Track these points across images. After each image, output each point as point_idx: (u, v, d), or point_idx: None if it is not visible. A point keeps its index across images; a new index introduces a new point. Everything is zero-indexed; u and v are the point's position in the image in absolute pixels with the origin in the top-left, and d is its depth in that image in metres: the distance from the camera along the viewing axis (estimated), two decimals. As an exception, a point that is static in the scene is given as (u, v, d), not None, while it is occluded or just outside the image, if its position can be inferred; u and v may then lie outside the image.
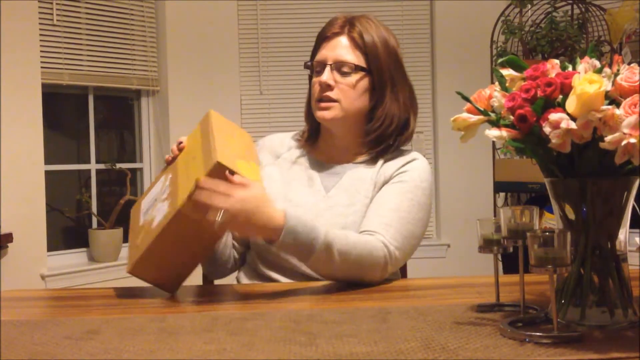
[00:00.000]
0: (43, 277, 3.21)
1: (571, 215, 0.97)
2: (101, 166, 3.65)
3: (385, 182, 1.47)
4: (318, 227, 1.27)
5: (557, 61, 0.96)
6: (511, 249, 1.02)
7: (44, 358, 0.86)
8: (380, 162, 1.50)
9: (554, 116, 0.87)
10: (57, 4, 3.33)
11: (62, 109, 3.62)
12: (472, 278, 1.43)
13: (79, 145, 3.71)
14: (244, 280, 1.50)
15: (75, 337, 0.96)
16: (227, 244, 1.51)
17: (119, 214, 3.45)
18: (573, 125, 0.86)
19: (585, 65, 0.94)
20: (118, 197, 3.57)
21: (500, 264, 2.83)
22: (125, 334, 0.96)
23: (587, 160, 0.92)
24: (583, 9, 3.46)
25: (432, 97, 3.99)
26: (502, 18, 3.56)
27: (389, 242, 1.34)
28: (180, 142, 1.38)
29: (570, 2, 3.52)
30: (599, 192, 0.95)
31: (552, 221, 2.72)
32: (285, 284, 1.41)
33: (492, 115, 0.98)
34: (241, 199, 1.16)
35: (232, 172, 1.18)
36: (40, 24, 3.25)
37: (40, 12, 3.25)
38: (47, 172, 3.27)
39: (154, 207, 1.30)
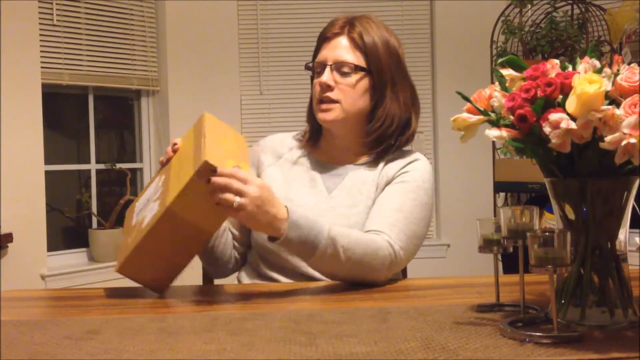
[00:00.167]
0: (43, 277, 3.21)
1: (571, 215, 0.97)
2: (101, 166, 3.65)
3: (388, 183, 1.46)
4: (321, 221, 1.27)
5: (557, 61, 0.96)
6: (511, 249, 1.02)
7: (44, 358, 0.86)
8: (382, 163, 1.50)
9: (554, 116, 0.87)
10: (57, 4, 3.33)
11: (62, 109, 3.62)
12: (472, 278, 1.43)
13: (79, 145, 3.71)
14: (245, 280, 1.50)
15: (75, 337, 0.96)
16: (228, 244, 1.51)
17: (119, 214, 3.45)
18: (573, 125, 0.86)
19: (585, 65, 0.94)
20: (118, 197, 3.57)
21: (500, 264, 2.83)
22: (125, 334, 0.96)
23: (587, 160, 0.92)
24: (583, 9, 3.46)
25: (432, 97, 3.99)
26: (502, 18, 3.56)
27: (394, 242, 1.34)
28: (175, 144, 1.38)
29: (570, 2, 3.52)
30: (599, 192, 0.95)
31: (552, 221, 2.72)
32: (286, 284, 1.41)
33: (492, 115, 0.98)
34: (254, 195, 1.17)
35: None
36: (40, 24, 3.25)
37: (40, 12, 3.25)
38: (47, 172, 3.27)
39: (146, 208, 1.30)
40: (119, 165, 3.65)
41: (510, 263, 3.03)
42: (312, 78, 1.52)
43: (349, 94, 1.45)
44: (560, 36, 3.38)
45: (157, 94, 3.78)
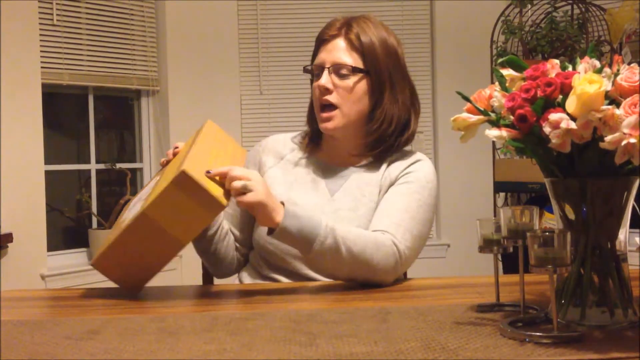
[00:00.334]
0: (43, 277, 3.21)
1: (571, 215, 0.97)
2: (101, 166, 3.65)
3: (391, 184, 1.46)
4: (320, 215, 1.29)
5: (557, 61, 0.96)
6: (511, 249, 1.02)
7: (44, 358, 0.86)
8: (385, 164, 1.49)
9: (554, 116, 0.87)
10: (57, 4, 3.33)
11: (62, 109, 3.62)
12: (472, 278, 1.43)
13: (79, 145, 3.71)
14: (247, 281, 1.50)
15: (75, 337, 0.96)
16: (230, 245, 1.51)
17: (118, 214, 3.44)
18: (573, 125, 0.86)
19: (585, 65, 0.94)
20: (118, 197, 3.57)
21: (500, 264, 2.83)
22: (125, 334, 0.96)
23: (587, 160, 0.92)
24: (583, 9, 3.46)
25: (432, 97, 3.99)
26: (502, 18, 3.56)
27: (399, 242, 1.33)
28: (176, 147, 1.39)
29: (570, 2, 3.52)
30: (599, 192, 0.95)
31: (552, 221, 2.72)
32: (285, 284, 1.41)
33: (492, 115, 0.98)
34: (258, 177, 1.23)
35: (198, 184, 1.17)
36: (40, 24, 3.25)
37: (40, 12, 3.25)
38: (47, 172, 3.27)
39: (135, 207, 1.31)
40: (119, 165, 3.65)
41: (510, 263, 3.03)
42: (312, 81, 1.52)
43: (348, 97, 1.45)
44: (560, 36, 3.38)
45: (157, 94, 3.78)
